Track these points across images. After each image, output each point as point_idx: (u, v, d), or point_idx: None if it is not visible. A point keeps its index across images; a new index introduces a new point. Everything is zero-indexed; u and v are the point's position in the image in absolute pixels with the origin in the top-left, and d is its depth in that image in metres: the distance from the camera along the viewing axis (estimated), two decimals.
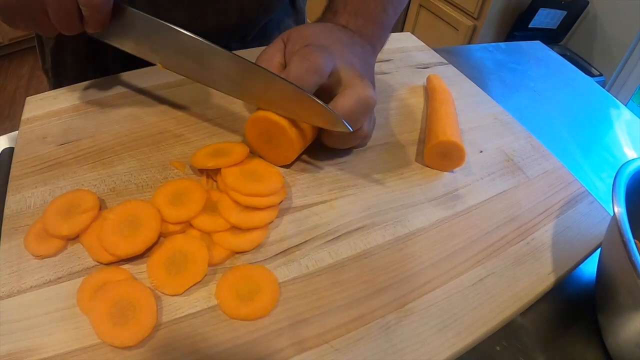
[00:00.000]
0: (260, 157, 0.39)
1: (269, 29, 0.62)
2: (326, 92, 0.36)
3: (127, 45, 0.38)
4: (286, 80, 0.34)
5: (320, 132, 0.39)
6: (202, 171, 0.37)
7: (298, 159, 0.40)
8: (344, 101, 0.34)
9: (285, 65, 0.38)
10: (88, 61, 0.56)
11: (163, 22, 0.35)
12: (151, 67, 0.48)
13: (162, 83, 0.47)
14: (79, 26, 0.35)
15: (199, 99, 0.45)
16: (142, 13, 0.36)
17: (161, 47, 0.37)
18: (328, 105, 0.34)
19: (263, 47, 0.40)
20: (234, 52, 0.35)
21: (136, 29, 0.37)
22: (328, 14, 0.43)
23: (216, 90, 0.38)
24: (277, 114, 0.35)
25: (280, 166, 0.39)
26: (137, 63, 0.48)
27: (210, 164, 0.36)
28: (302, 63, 0.34)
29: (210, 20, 0.52)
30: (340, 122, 0.34)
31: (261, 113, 0.36)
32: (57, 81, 0.59)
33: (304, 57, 0.34)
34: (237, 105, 0.45)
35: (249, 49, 0.52)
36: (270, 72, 0.34)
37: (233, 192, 0.34)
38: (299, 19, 0.67)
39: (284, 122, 0.35)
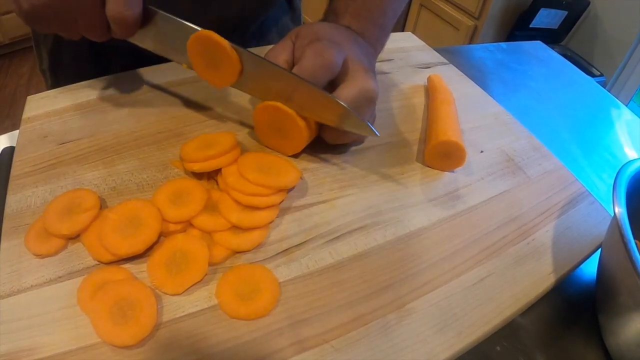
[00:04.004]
0: (268, 147, 0.40)
1: (266, 27, 0.62)
2: (330, 82, 0.37)
3: (151, 46, 0.39)
4: (303, 79, 0.35)
5: (320, 129, 0.39)
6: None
7: (303, 152, 0.40)
8: (347, 91, 0.35)
9: (291, 63, 0.38)
10: (87, 61, 0.56)
11: (189, 24, 0.36)
12: (152, 66, 0.48)
13: (163, 82, 0.47)
14: (107, 34, 0.36)
15: (200, 97, 0.45)
16: (168, 15, 0.36)
17: (186, 48, 0.37)
18: (338, 98, 0.35)
19: (262, 46, 0.40)
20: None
21: (161, 31, 0.37)
22: (330, 16, 0.43)
23: (236, 88, 0.38)
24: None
25: (289, 156, 0.40)
26: (137, 62, 0.48)
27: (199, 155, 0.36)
28: (315, 58, 0.35)
29: (212, 14, 0.53)
30: (349, 116, 0.35)
31: (269, 102, 0.37)
32: (55, 81, 0.59)
33: (317, 53, 0.35)
34: (239, 104, 0.45)
35: (251, 48, 0.52)
36: (288, 70, 0.35)
37: (234, 191, 0.34)
38: (295, 17, 0.68)
39: (292, 111, 0.36)
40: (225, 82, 0.38)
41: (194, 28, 0.36)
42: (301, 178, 0.38)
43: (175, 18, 0.36)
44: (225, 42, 0.35)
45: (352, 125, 0.36)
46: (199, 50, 0.37)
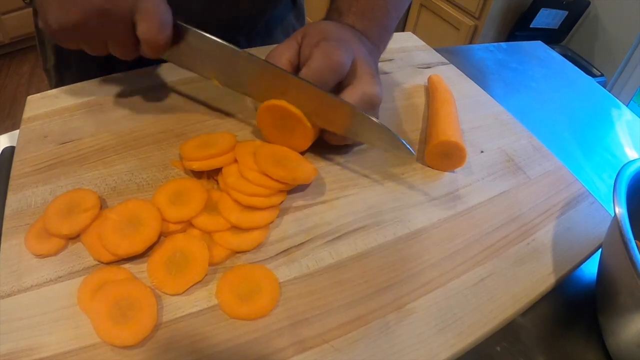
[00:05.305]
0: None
1: (271, 25, 0.62)
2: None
3: (180, 62, 0.39)
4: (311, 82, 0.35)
5: (322, 129, 0.39)
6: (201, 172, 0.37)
7: (303, 152, 0.40)
8: (350, 96, 0.35)
9: (295, 63, 0.38)
10: (93, 60, 0.55)
11: (221, 41, 0.36)
12: (152, 66, 0.48)
13: (164, 82, 0.47)
14: (136, 53, 0.37)
15: (201, 97, 0.45)
16: (199, 31, 0.36)
17: (217, 64, 0.38)
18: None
19: (268, 45, 0.40)
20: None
21: (192, 47, 0.37)
22: (333, 15, 0.43)
23: (259, 101, 0.38)
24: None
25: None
26: (145, 61, 0.48)
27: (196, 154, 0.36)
28: (323, 60, 0.34)
29: (223, 12, 0.53)
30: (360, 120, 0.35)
31: (274, 102, 0.36)
32: (60, 80, 0.59)
33: (325, 54, 0.35)
34: (240, 104, 0.45)
35: (257, 47, 0.52)
36: (306, 80, 0.35)
37: (234, 191, 0.34)
38: (299, 15, 0.68)
39: (298, 111, 0.36)
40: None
41: (225, 45, 0.36)
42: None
43: (208, 35, 0.36)
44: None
45: (365, 134, 0.36)
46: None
